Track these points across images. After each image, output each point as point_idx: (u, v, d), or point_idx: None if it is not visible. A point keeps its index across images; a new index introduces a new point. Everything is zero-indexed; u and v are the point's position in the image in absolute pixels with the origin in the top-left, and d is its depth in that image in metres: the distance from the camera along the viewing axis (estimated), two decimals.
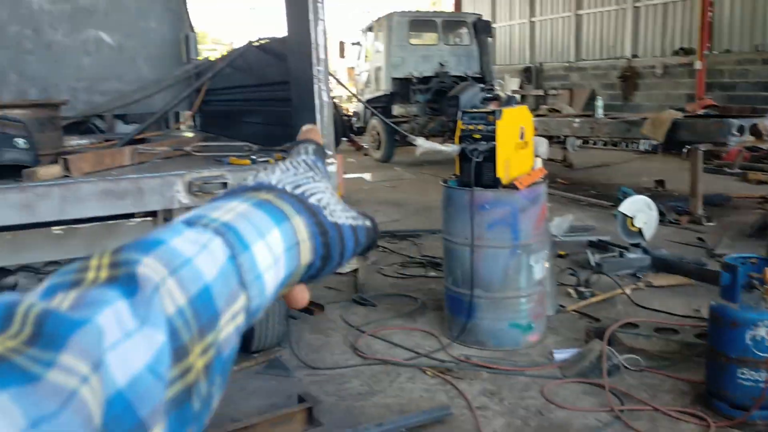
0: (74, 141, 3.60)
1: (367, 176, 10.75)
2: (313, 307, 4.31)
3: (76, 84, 5.17)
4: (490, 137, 3.51)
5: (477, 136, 3.54)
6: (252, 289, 0.40)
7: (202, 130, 5.38)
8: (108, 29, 5.23)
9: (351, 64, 14.74)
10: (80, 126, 5.01)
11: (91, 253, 0.38)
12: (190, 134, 5.10)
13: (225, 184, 2.44)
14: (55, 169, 2.34)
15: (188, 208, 2.75)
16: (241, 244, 0.41)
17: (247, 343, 3.56)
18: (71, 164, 2.35)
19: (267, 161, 2.57)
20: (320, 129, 2.55)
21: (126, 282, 0.35)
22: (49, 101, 2.77)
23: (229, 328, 0.38)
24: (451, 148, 3.54)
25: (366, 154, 13.24)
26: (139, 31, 5.32)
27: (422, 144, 3.40)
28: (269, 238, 0.43)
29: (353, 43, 13.45)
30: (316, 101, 2.53)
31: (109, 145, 3.30)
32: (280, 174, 0.50)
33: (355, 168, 11.28)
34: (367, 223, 0.53)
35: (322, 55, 2.50)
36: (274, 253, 0.43)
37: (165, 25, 5.39)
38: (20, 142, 2.36)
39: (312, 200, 0.48)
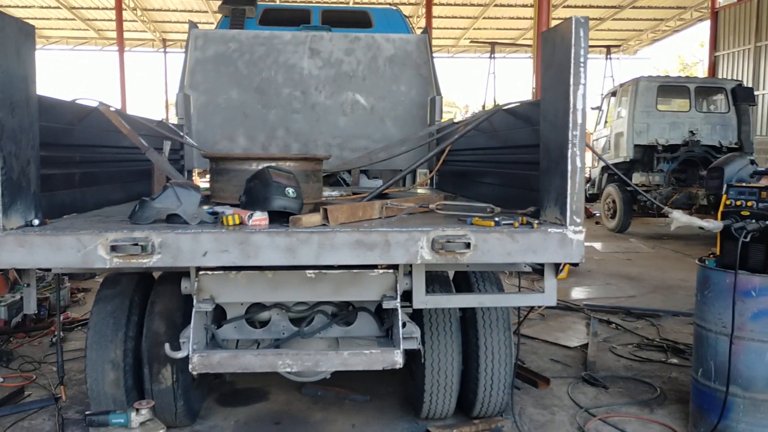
0: (326, 192, 3.92)
1: (597, 246, 10.20)
2: (537, 380, 4.10)
3: (331, 140, 5.67)
4: (762, 216, 3.10)
5: (745, 213, 3.14)
6: None
7: (438, 189, 5.54)
8: (364, 92, 5.69)
9: (588, 129, 14.35)
10: (330, 178, 5.47)
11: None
12: (425, 191, 5.28)
13: (468, 245, 2.43)
14: (316, 218, 2.53)
15: (429, 264, 2.79)
16: None
17: (468, 406, 3.48)
18: (330, 214, 2.52)
19: (511, 224, 2.52)
20: (571, 195, 2.45)
21: None
22: (315, 156, 3.04)
23: None
24: (713, 225, 3.17)
25: (597, 223, 12.63)
26: (391, 94, 5.70)
27: (678, 217, 3.09)
28: None
29: (593, 108, 13.08)
30: (569, 166, 2.43)
31: (359, 198, 3.52)
32: None
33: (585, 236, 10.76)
34: None
35: (579, 120, 2.41)
36: None
37: (414, 89, 5.71)
38: (290, 191, 2.60)
39: None
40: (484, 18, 20.62)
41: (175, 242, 2.38)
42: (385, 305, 2.73)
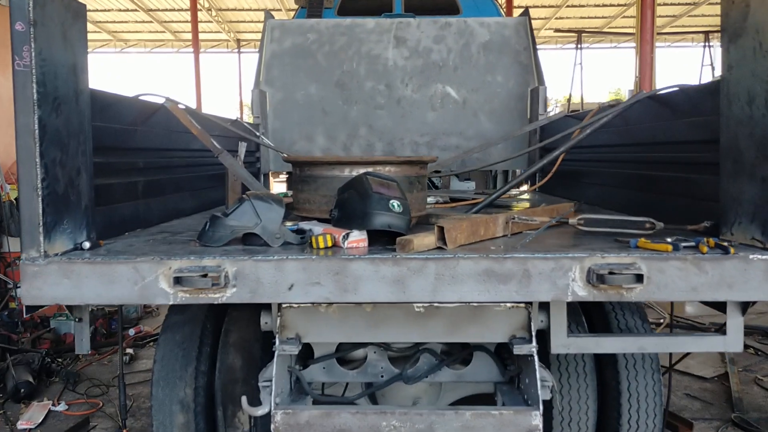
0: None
1: None
2: (679, 424, 3.40)
3: (419, 138, 5.11)
4: None
5: None
6: None
7: (543, 192, 4.88)
8: (455, 84, 5.10)
9: None
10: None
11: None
12: (528, 196, 4.63)
13: (638, 277, 1.81)
14: (429, 239, 1.96)
15: (584, 303, 2.19)
16: None
17: None
18: (448, 234, 1.95)
19: (695, 248, 1.87)
20: None
21: None
22: (420, 159, 2.46)
23: None
24: None
25: None
26: (485, 85, 5.08)
27: None
28: None
29: None
30: None
31: (467, 208, 2.93)
32: None
33: None
34: None
35: None
36: None
37: (512, 80, 5.07)
38: (395, 204, 2.04)
39: None
40: (568, 6, 19.53)
41: (254, 272, 1.86)
42: (516, 350, 2.13)
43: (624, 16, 20.44)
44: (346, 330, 2.20)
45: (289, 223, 2.24)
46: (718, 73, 11.94)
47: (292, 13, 7.70)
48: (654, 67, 8.49)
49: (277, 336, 2.19)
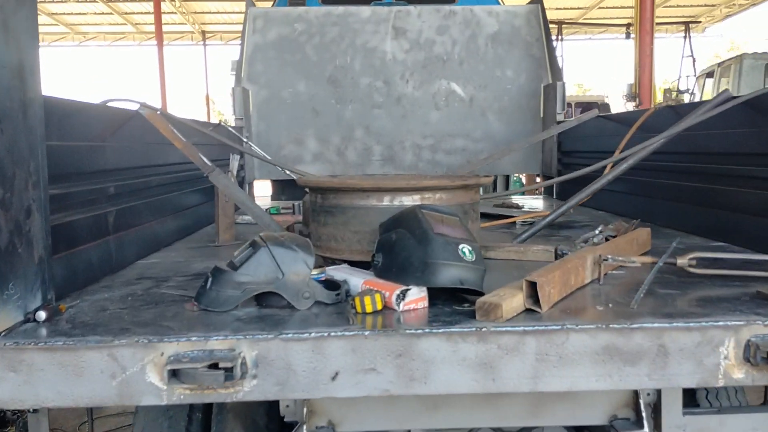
0: None
1: None
2: None
3: (421, 141, 4.59)
4: None
5: None
6: None
7: (558, 198, 4.41)
8: (461, 80, 4.59)
9: None
10: None
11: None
12: (539, 202, 4.14)
13: None
14: (517, 300, 1.44)
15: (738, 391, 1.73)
16: None
17: None
18: (542, 292, 1.43)
19: None
20: None
21: None
22: (477, 180, 1.93)
23: None
24: None
25: None
26: (494, 81, 4.59)
27: None
28: None
29: (681, 92, 11.70)
30: None
31: (517, 229, 2.40)
32: None
33: None
34: None
35: None
36: None
37: (523, 74, 4.58)
38: (466, 251, 1.51)
39: None
40: None
41: (283, 357, 1.32)
42: None
43: (600, 7, 20.18)
44: (397, 416, 1.66)
45: (314, 272, 1.70)
46: (700, 64, 11.65)
47: (270, 3, 7.08)
48: (653, 59, 8.13)
49: (303, 427, 1.64)
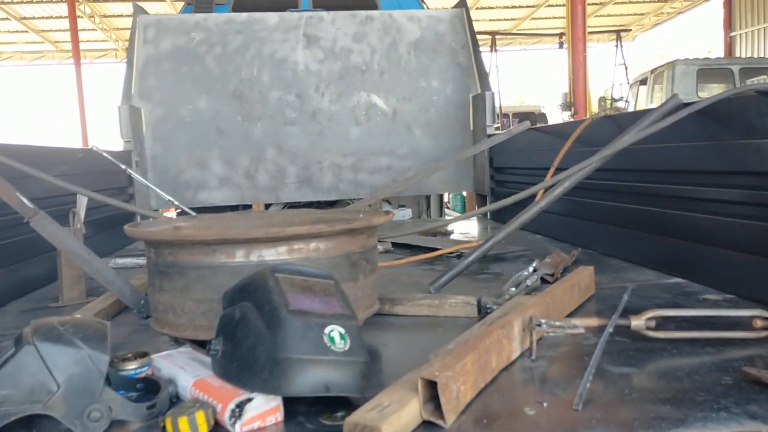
0: None
1: None
2: None
3: (341, 161, 4.11)
4: None
5: None
6: None
7: (492, 220, 3.99)
8: (382, 91, 4.14)
9: None
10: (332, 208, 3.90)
11: None
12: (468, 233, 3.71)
13: None
14: (411, 409, 0.95)
15: None
16: None
17: None
18: (445, 396, 0.95)
19: None
20: None
21: None
22: (368, 222, 1.43)
23: None
24: None
25: None
26: (418, 92, 4.16)
27: None
28: None
29: (615, 100, 11.63)
30: None
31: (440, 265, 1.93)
32: None
33: None
34: None
35: None
36: None
37: (450, 84, 4.17)
38: (335, 337, 1.02)
39: None
40: (478, 8, 19.05)
41: None
42: None
43: (532, 18, 20.27)
44: None
45: (131, 365, 1.18)
46: (632, 72, 11.61)
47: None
48: (587, 68, 7.92)
49: None
